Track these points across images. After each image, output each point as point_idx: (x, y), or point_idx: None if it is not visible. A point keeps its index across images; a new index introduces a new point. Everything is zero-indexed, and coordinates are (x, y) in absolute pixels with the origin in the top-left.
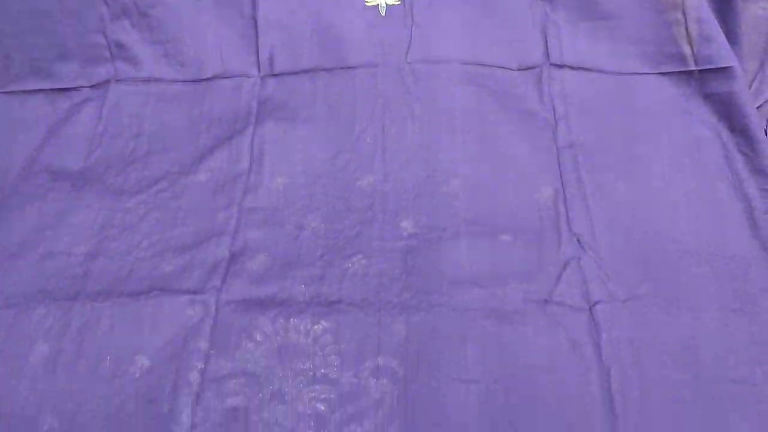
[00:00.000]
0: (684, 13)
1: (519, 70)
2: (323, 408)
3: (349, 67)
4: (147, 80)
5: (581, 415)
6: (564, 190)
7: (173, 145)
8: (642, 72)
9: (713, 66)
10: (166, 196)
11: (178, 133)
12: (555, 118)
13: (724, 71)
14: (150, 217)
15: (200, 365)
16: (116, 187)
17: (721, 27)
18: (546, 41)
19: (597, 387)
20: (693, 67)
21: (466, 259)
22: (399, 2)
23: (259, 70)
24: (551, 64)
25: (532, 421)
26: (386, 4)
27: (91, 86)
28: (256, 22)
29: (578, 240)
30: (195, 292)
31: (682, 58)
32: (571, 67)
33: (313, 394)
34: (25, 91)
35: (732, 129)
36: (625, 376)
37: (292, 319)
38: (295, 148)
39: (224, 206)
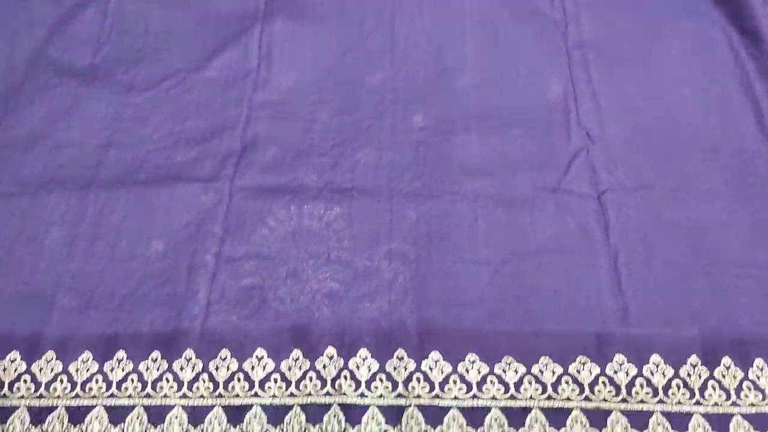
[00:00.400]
0: None
1: None
2: (337, 287)
3: None
4: None
5: (590, 294)
6: (574, 88)
7: (181, 44)
8: None
9: None
10: (175, 92)
11: (185, 32)
12: (565, 18)
13: None
14: (160, 111)
15: (215, 248)
16: (125, 83)
17: None
18: None
19: (605, 268)
20: None
21: (476, 151)
22: None
23: None
24: None
25: (541, 298)
26: None
27: None
28: None
29: (587, 133)
30: (208, 180)
31: None
32: None
33: (328, 274)
34: None
35: (742, 31)
36: (632, 259)
37: (305, 206)
38: (304, 46)
39: (234, 101)
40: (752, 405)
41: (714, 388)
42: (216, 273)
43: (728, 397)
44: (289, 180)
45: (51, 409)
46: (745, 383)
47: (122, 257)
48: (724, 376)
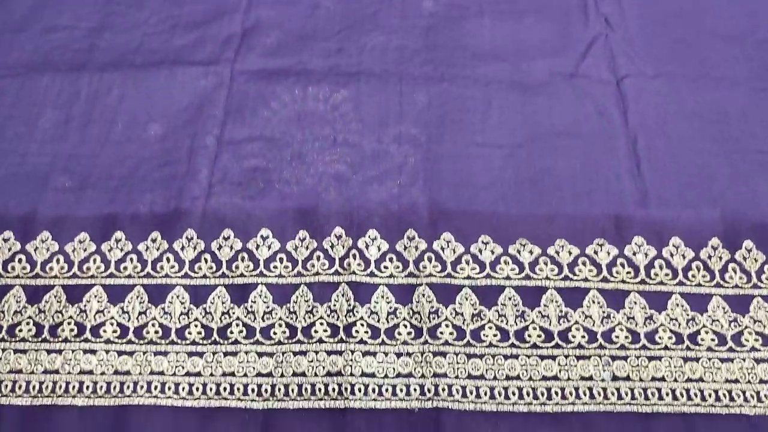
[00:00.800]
0: None
1: None
2: (344, 169)
3: None
4: None
5: (608, 176)
6: None
7: None
8: None
9: None
10: None
11: None
12: None
13: None
14: None
15: (216, 131)
16: None
17: None
18: None
19: (624, 151)
20: None
21: (489, 35)
22: None
23: None
24: None
25: (557, 181)
26: None
27: None
28: None
29: (606, 19)
30: (208, 64)
31: None
32: None
33: (335, 157)
34: None
35: None
36: (652, 143)
37: (309, 88)
38: None
39: None
40: None
41: (735, 271)
42: (218, 155)
43: (749, 279)
44: (293, 63)
45: (47, 288)
46: (767, 266)
47: (119, 139)
48: (745, 259)
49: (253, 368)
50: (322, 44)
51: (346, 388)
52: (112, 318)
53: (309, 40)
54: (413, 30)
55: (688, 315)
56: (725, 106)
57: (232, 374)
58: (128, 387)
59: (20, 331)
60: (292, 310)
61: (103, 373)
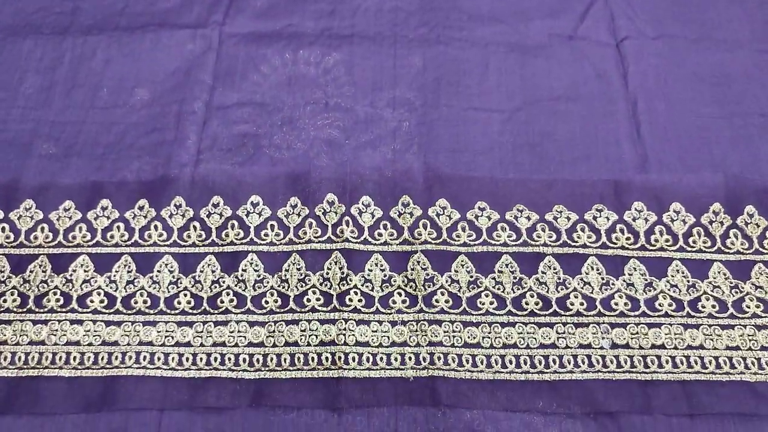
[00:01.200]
0: None
1: None
2: (337, 134)
3: None
4: None
5: (607, 141)
6: None
7: None
8: None
9: None
10: None
11: None
12: None
13: None
14: None
15: (204, 96)
16: None
17: None
18: None
19: (623, 115)
20: None
21: None
22: None
23: None
24: None
25: (556, 146)
26: None
27: None
28: None
29: None
30: (196, 27)
31: None
32: None
33: (327, 121)
34: None
35: None
36: (652, 106)
37: (301, 51)
38: None
39: None
40: None
41: (736, 237)
42: (206, 120)
43: (751, 245)
44: (284, 26)
45: (32, 258)
46: None
47: (104, 105)
48: (747, 224)
49: (245, 338)
50: (313, 6)
51: (339, 358)
52: (99, 288)
53: (300, 2)
54: None
55: (688, 281)
56: (727, 69)
57: (223, 344)
58: (116, 357)
59: (5, 301)
60: (284, 278)
61: (90, 344)
